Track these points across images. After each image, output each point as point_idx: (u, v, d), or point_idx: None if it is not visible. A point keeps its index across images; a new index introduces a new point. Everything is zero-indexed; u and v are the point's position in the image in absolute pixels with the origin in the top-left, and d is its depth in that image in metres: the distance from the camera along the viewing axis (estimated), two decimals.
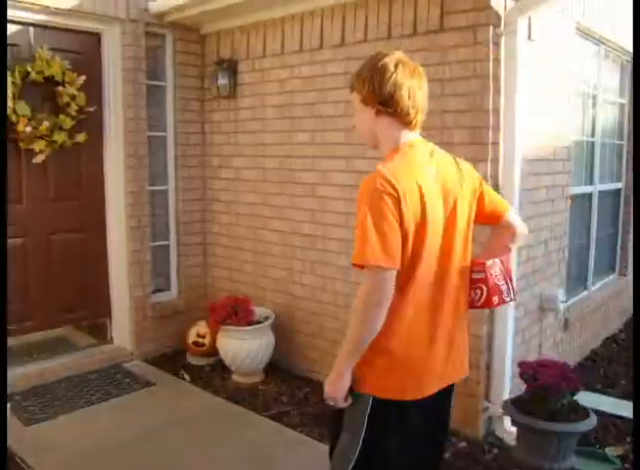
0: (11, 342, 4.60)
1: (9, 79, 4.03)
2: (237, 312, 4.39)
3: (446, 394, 2.16)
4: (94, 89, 4.55)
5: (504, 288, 2.20)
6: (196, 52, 5.03)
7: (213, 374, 4.65)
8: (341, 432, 2.11)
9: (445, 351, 2.07)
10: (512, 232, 2.25)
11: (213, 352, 4.67)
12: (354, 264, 1.91)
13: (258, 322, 4.50)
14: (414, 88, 2.00)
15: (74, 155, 4.56)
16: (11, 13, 4.01)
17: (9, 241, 4.30)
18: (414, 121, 2.03)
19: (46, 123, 4.20)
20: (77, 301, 4.76)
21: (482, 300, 2.18)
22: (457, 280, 2.09)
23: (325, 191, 4.28)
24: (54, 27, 4.33)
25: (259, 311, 4.60)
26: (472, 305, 2.20)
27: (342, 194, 4.16)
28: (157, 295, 5.09)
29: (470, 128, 3.48)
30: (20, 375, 4.33)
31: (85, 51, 4.55)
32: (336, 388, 2.00)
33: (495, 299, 2.17)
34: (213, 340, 4.66)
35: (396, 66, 1.99)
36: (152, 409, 4.01)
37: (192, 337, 4.85)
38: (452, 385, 2.20)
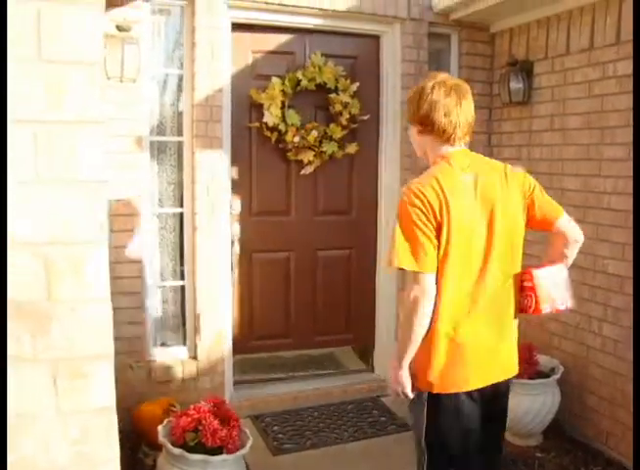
0: (266, 357, 4.48)
1: (280, 88, 3.85)
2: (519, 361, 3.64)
3: (497, 391, 2.26)
4: (369, 96, 4.18)
5: (557, 296, 2.24)
6: (484, 53, 4.38)
7: None
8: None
9: (489, 352, 2.21)
10: (563, 239, 2.30)
11: None
12: (389, 265, 2.11)
13: (542, 374, 3.72)
14: (449, 106, 2.10)
15: (345, 166, 4.24)
16: (286, 19, 3.89)
17: (273, 254, 4.16)
18: (452, 137, 2.14)
19: (314, 133, 3.94)
20: (340, 320, 4.42)
21: (533, 307, 2.23)
22: (501, 282, 2.15)
23: None
24: (329, 32, 4.06)
25: (543, 360, 3.79)
26: (524, 311, 2.26)
27: None
28: None
29: None
30: (273, 395, 4.16)
31: (361, 56, 4.21)
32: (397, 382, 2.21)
33: (546, 307, 2.23)
34: None
35: (433, 87, 2.12)
36: (404, 464, 3.28)
37: None
38: (503, 384, 2.30)
